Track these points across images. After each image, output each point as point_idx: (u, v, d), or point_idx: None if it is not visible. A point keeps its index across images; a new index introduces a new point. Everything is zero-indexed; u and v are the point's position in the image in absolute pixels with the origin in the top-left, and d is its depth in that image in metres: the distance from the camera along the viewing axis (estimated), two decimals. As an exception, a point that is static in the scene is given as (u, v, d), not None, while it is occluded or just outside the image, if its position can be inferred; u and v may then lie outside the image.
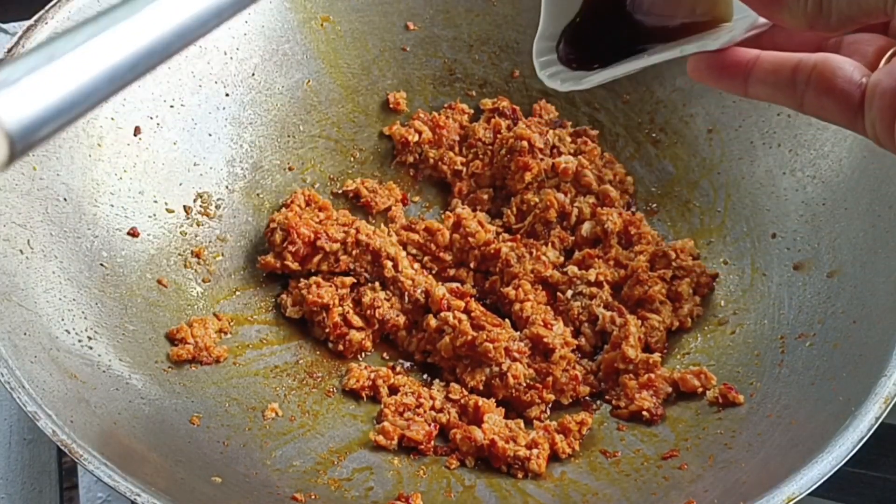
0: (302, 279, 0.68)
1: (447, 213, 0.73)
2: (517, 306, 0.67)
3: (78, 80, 0.24)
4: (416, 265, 0.69)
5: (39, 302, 0.56)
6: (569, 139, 0.75)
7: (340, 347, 0.66)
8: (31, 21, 0.61)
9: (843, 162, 0.66)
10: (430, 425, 0.61)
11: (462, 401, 0.63)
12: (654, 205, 0.74)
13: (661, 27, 0.43)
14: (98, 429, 0.52)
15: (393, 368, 0.66)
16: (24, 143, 0.23)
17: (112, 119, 0.65)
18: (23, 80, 0.23)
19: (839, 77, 0.37)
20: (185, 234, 0.67)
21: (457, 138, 0.76)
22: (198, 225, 0.68)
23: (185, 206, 0.68)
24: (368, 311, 0.66)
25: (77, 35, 0.25)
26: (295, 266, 0.67)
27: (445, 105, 0.78)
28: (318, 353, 0.66)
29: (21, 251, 0.57)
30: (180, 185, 0.68)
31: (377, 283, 0.68)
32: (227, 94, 0.71)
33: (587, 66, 0.45)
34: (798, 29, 0.38)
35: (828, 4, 0.36)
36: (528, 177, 0.72)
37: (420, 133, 0.75)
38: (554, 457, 0.60)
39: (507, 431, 0.60)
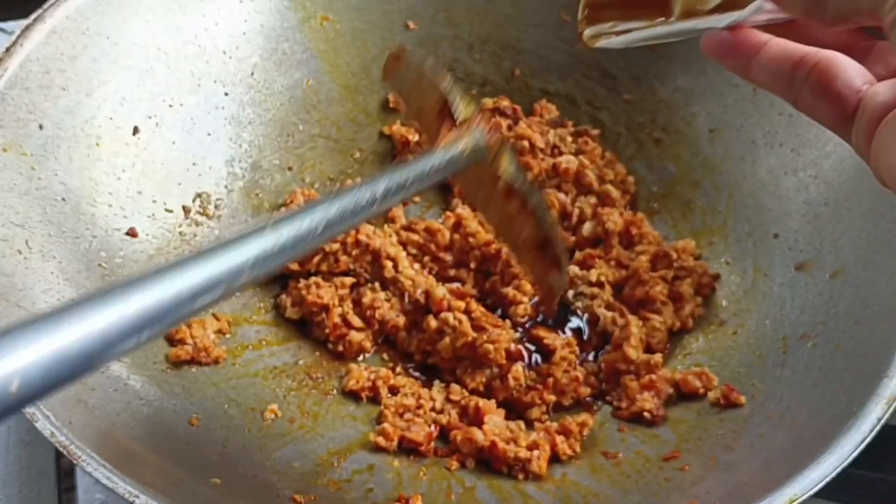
0: (301, 279, 0.67)
1: (447, 213, 0.72)
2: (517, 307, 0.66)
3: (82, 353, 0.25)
4: (417, 265, 0.69)
5: (38, 302, 0.56)
6: (570, 139, 0.74)
7: (340, 348, 0.66)
8: (30, 20, 0.61)
9: (845, 162, 0.65)
10: (430, 426, 0.61)
11: (462, 402, 0.62)
12: (656, 205, 0.74)
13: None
14: (96, 430, 0.51)
15: (393, 369, 0.66)
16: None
17: (111, 118, 0.65)
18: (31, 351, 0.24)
19: (839, 80, 0.37)
20: (184, 234, 0.67)
21: (457, 138, 0.76)
22: (196, 225, 0.68)
23: (183, 206, 0.68)
24: (368, 312, 0.66)
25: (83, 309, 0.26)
26: (294, 266, 0.67)
27: (446, 104, 0.77)
28: (317, 353, 0.66)
29: (19, 251, 0.57)
30: (179, 184, 0.68)
31: (377, 284, 0.67)
32: (226, 94, 0.71)
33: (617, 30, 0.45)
34: (797, 17, 0.38)
35: None
36: (528, 177, 0.72)
37: (420, 133, 0.75)
38: (555, 458, 0.60)
39: (508, 433, 0.60)
